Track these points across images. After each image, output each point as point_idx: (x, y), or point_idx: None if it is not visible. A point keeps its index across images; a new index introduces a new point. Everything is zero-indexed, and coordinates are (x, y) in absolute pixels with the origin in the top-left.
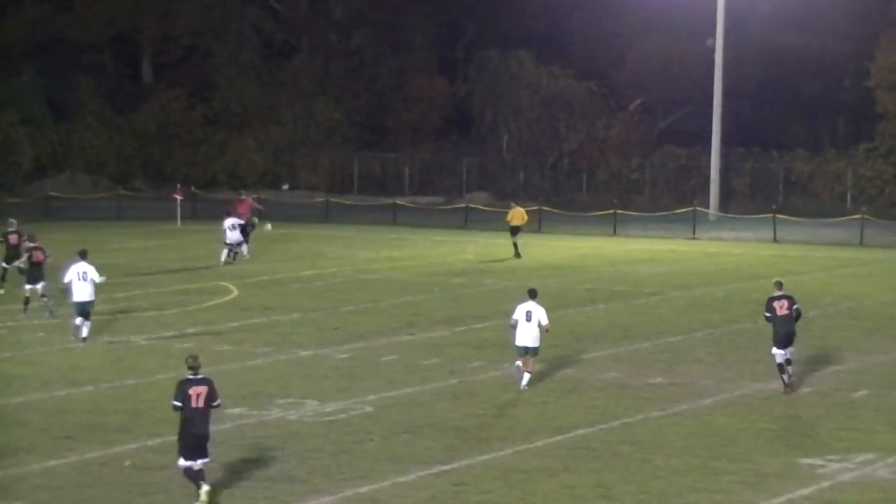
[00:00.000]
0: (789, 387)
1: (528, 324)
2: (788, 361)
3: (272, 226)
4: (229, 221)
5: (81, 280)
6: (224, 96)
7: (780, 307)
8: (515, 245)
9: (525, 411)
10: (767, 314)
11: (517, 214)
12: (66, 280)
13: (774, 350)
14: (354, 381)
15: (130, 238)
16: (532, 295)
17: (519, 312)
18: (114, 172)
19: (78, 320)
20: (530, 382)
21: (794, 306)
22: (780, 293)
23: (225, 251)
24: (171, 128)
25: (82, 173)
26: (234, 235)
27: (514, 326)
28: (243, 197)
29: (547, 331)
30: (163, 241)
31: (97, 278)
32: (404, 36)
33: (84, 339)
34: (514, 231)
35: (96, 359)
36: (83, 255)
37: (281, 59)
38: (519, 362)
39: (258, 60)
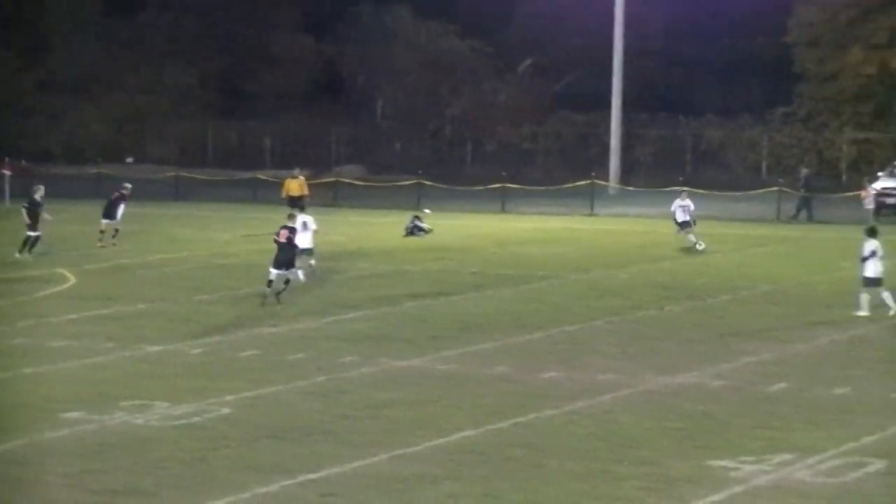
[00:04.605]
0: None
1: (874, 259)
2: (287, 281)
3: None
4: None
5: None
6: (59, 58)
7: (282, 235)
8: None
9: (402, 412)
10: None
11: (298, 185)
12: None
13: (271, 269)
14: (210, 379)
15: None
16: (872, 233)
17: (867, 249)
18: None
19: None
20: None
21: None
22: (290, 224)
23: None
24: None
25: None
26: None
27: (863, 260)
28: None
29: None
30: None
31: None
32: None
33: None
34: (295, 202)
35: None
36: None
37: (124, 14)
38: (865, 295)
39: (98, 16)
